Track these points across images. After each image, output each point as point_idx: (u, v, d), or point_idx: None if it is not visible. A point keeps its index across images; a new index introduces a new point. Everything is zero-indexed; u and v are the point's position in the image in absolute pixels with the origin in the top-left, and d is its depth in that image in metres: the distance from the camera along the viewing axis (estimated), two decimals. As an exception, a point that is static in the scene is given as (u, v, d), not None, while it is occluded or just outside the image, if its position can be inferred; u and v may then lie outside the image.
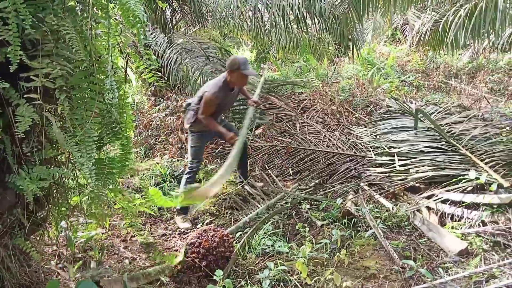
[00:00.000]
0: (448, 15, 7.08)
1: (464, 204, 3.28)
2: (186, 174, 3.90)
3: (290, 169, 4.71)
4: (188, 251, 2.80)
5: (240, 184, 4.31)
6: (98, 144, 2.39)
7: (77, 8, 1.95)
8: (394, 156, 4.46)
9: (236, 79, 3.68)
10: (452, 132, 5.06)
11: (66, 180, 2.42)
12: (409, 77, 9.22)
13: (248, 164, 4.50)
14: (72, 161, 2.28)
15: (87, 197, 2.52)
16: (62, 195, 2.37)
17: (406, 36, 12.26)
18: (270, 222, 3.41)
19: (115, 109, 2.14)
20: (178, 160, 4.91)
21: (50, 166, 2.16)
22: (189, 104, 3.91)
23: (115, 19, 2.07)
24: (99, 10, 2.02)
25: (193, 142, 3.88)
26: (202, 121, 3.72)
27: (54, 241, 2.53)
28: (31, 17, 1.64)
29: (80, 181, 2.53)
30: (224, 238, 2.87)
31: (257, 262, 2.91)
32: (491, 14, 5.71)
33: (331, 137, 5.28)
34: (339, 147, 4.95)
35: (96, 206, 2.60)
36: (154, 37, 6.88)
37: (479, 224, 3.07)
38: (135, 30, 1.93)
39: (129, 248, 3.28)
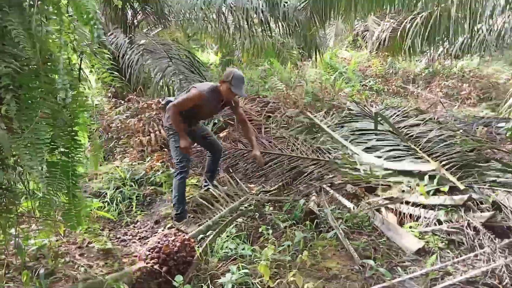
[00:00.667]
0: (406, 23, 7.37)
1: (421, 204, 3.40)
2: (176, 175, 3.71)
3: (253, 172, 4.70)
4: (148, 257, 2.71)
5: (204, 188, 4.25)
6: (51, 146, 2.27)
7: (25, 3, 1.84)
8: (355, 159, 4.56)
9: (224, 91, 3.63)
10: (410, 134, 5.24)
11: (14, 184, 2.28)
12: (369, 81, 9.51)
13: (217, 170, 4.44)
14: (20, 164, 2.14)
15: (38, 202, 2.38)
16: (10, 201, 2.22)
17: (366, 42, 12.65)
18: (233, 225, 3.38)
19: (67, 110, 2.03)
20: (139, 164, 4.78)
21: (-4, 170, 2.03)
22: (169, 102, 3.79)
23: (68, 15, 1.97)
24: (51, 6, 1.91)
25: (176, 142, 3.71)
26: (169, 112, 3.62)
27: (2, 250, 2.37)
28: (-28, 10, 1.53)
29: (31, 185, 2.40)
30: (185, 242, 2.80)
31: (219, 266, 2.86)
32: (445, 23, 5.99)
33: (295, 141, 5.32)
34: (303, 151, 5.00)
35: (48, 212, 2.46)
36: (115, 37, 6.68)
37: (435, 223, 3.18)
38: (88, 28, 1.85)
39: (86, 255, 3.14)
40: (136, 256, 3.18)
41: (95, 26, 1.81)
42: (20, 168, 2.22)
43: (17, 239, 2.60)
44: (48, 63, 1.87)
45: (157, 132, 5.41)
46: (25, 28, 1.69)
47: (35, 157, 1.90)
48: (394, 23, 8.54)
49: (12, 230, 2.50)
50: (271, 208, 3.74)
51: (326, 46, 10.80)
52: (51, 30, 1.88)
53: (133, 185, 4.32)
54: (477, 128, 5.56)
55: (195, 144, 4.31)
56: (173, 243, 2.72)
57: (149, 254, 2.70)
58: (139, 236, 3.62)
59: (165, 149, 5.17)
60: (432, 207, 3.35)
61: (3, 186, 2.21)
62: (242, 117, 4.00)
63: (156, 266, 2.62)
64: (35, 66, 1.82)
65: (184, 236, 2.85)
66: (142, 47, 6.51)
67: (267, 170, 4.70)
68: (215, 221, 3.55)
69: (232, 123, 5.99)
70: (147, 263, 2.64)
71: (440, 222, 3.17)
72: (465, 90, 8.26)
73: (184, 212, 3.71)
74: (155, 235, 3.54)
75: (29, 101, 1.86)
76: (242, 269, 2.66)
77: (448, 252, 2.86)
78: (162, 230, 3.58)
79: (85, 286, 2.52)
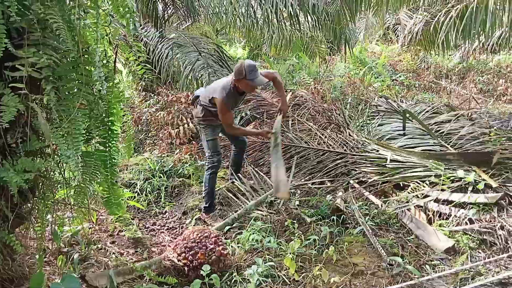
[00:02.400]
0: (440, 16, 7.13)
1: (452, 202, 3.31)
2: (207, 170, 3.74)
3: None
4: (181, 255, 2.67)
5: (230, 181, 4.29)
6: (86, 137, 2.35)
7: (65, -3, 1.90)
8: (384, 154, 4.48)
9: (244, 87, 3.49)
10: (441, 131, 5.11)
11: (52, 173, 2.38)
12: (400, 76, 9.29)
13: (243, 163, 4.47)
14: (58, 153, 2.23)
15: (73, 190, 2.48)
16: (47, 188, 2.32)
17: (397, 36, 12.35)
18: (259, 218, 3.41)
19: (102, 101, 2.10)
20: (168, 156, 4.87)
21: (36, 158, 2.12)
22: (197, 97, 3.81)
23: (104, 9, 2.03)
24: (88, 0, 1.98)
25: (207, 136, 3.72)
26: (214, 119, 3.65)
27: (39, 235, 2.48)
28: (17, 4, 1.60)
29: (67, 174, 2.49)
30: (221, 257, 2.71)
31: (245, 258, 2.90)
32: (482, 16, 5.76)
33: (322, 134, 5.28)
34: (330, 145, 4.96)
35: (82, 200, 2.56)
36: (146, 31, 6.81)
37: (466, 222, 3.10)
38: (125, 21, 1.90)
39: (116, 243, 3.25)
40: (164, 246, 3.26)
41: (131, 19, 1.86)
42: (57, 157, 2.31)
43: (53, 225, 2.73)
44: (85, 56, 1.94)
45: (186, 125, 5.49)
46: (65, 21, 1.76)
47: (72, 146, 1.98)
48: (427, 16, 8.29)
49: (49, 217, 2.62)
50: (297, 203, 3.74)
51: (356, 40, 10.61)
52: (88, 23, 1.95)
53: (162, 176, 4.41)
54: (513, 126, 5.35)
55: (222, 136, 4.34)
56: (209, 254, 2.64)
57: (184, 252, 2.67)
58: (167, 226, 3.70)
59: (193, 142, 5.24)
60: (463, 205, 3.27)
61: (42, 174, 2.31)
62: (272, 76, 3.83)
63: (185, 269, 2.62)
64: (73, 58, 1.89)
65: (222, 248, 2.75)
66: (172, 41, 6.60)
67: (292, 163, 4.69)
68: (240, 214, 3.59)
69: (259, 116, 6.01)
70: (178, 260, 2.66)
71: (471, 221, 3.09)
72: (501, 86, 7.93)
73: (213, 206, 3.76)
74: (182, 227, 3.62)
75: (67, 92, 1.94)
76: (268, 261, 2.69)
77: (479, 252, 2.79)
78: (190, 222, 3.65)
79: (116, 272, 2.61)
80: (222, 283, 2.58)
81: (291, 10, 6.63)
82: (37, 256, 2.51)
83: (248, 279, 2.53)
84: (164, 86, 6.59)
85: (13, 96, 1.75)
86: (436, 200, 3.42)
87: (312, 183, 4.22)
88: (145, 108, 6.07)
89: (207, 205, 3.72)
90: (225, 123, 3.59)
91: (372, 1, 6.29)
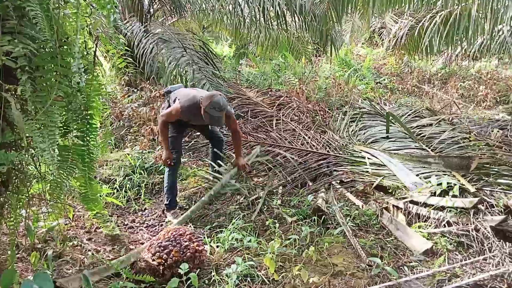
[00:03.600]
0: (424, 21, 7.25)
1: (430, 205, 3.35)
2: (166, 172, 3.75)
3: (261, 165, 4.69)
4: (156, 254, 2.61)
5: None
6: (63, 130, 2.29)
7: (44, -15, 1.84)
8: (365, 156, 4.52)
9: (201, 114, 3.41)
10: (422, 135, 5.18)
11: (26, 166, 2.30)
12: (384, 79, 9.40)
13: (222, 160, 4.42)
14: (33, 146, 2.16)
15: (49, 185, 2.41)
16: (21, 182, 2.25)
17: (383, 40, 12.49)
18: (239, 217, 3.38)
19: (81, 93, 2.04)
20: (149, 152, 4.80)
21: (9, 151, 2.05)
22: (169, 92, 3.82)
23: (85, -1, 1.98)
24: (68, -11, 1.92)
25: (169, 132, 3.69)
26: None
27: (12, 230, 2.40)
28: (-9, -10, 1.54)
29: (42, 168, 2.42)
30: (197, 254, 2.65)
31: (225, 257, 2.87)
32: (465, 22, 5.88)
33: (306, 135, 5.29)
34: (313, 145, 4.97)
35: (58, 195, 2.49)
36: (131, 25, 6.70)
37: (444, 225, 3.13)
38: (105, 12, 1.84)
39: (93, 240, 3.18)
40: (142, 244, 3.20)
41: (112, 11, 1.81)
42: (33, 150, 2.24)
43: (27, 220, 2.65)
44: (64, 46, 1.88)
45: (169, 122, 5.42)
46: (43, 10, 1.70)
47: (48, 139, 1.92)
48: (412, 21, 8.41)
49: (23, 212, 2.53)
50: (279, 202, 3.73)
51: (342, 42, 10.68)
52: (68, 13, 1.89)
53: (142, 173, 4.34)
54: (492, 131, 5.46)
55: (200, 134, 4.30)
56: (185, 251, 2.59)
57: (158, 252, 2.62)
58: (147, 224, 3.64)
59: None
60: (442, 208, 3.31)
61: (16, 167, 2.24)
62: (233, 127, 3.81)
63: (160, 268, 2.57)
64: (51, 49, 1.83)
65: (198, 244, 2.71)
66: (157, 36, 6.51)
67: (275, 163, 4.69)
68: (210, 195, 3.61)
69: (243, 115, 5.98)
70: (153, 260, 2.61)
71: (449, 224, 3.13)
72: (482, 92, 8.10)
73: (174, 202, 3.73)
74: (161, 225, 3.57)
75: (44, 83, 1.88)
76: (248, 261, 2.67)
77: (456, 254, 2.83)
78: (169, 220, 3.60)
79: (91, 272, 2.55)
80: (201, 282, 2.55)
81: (278, 10, 6.63)
82: (9, 252, 2.43)
83: (227, 279, 2.50)
84: (148, 81, 6.50)
85: (-14, 86, 1.69)
86: (415, 203, 3.45)
87: (294, 184, 4.22)
88: (128, 103, 5.97)
89: (167, 202, 3.70)
90: (164, 116, 3.58)
91: (359, 4, 6.34)
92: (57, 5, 1.85)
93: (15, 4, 1.68)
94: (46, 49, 1.88)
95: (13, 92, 1.86)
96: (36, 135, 1.84)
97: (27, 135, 1.90)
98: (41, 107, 1.83)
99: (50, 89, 1.89)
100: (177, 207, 3.76)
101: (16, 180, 2.26)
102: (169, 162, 3.63)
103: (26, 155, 2.15)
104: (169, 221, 3.56)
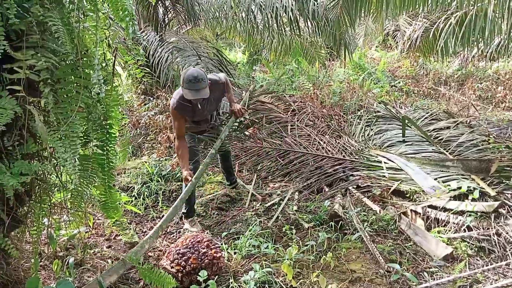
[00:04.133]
0: (439, 23, 7.16)
1: (450, 210, 3.30)
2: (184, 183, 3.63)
3: (277, 170, 4.69)
4: (174, 261, 2.65)
5: (228, 186, 4.28)
6: (84, 140, 2.35)
7: (65, 0, 1.90)
8: (381, 161, 4.48)
9: (183, 91, 3.22)
10: (439, 138, 5.11)
11: (48, 176, 2.36)
12: (399, 82, 9.31)
13: (233, 167, 4.42)
14: (55, 156, 2.22)
15: (70, 194, 2.47)
16: (44, 192, 2.31)
17: (397, 42, 12.38)
18: (256, 223, 3.39)
19: (101, 104, 2.09)
20: (166, 159, 4.86)
21: (32, 161, 2.11)
22: None
23: (104, 12, 2.03)
24: (88, 3, 1.97)
25: (189, 142, 3.63)
26: (192, 126, 3.59)
27: (35, 239, 2.46)
28: (16, 7, 1.60)
29: (64, 177, 2.48)
30: (215, 261, 2.68)
31: (242, 263, 2.88)
32: (481, 23, 5.78)
33: (321, 140, 5.28)
34: (329, 151, 4.95)
35: (79, 204, 2.55)
36: (146, 35, 6.82)
37: (464, 230, 3.08)
38: (124, 24, 1.89)
39: (113, 247, 3.22)
40: (161, 251, 3.24)
41: (130, 23, 1.86)
42: (54, 160, 2.30)
43: (49, 229, 2.71)
44: (84, 58, 1.93)
45: (184, 129, 5.48)
46: (64, 24, 1.75)
47: (69, 149, 1.97)
48: (426, 23, 8.32)
49: (45, 220, 2.60)
50: (295, 208, 3.72)
51: (355, 45, 10.63)
52: (88, 26, 1.95)
53: (160, 180, 4.40)
54: (512, 133, 5.35)
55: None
56: (202, 258, 2.61)
57: (176, 259, 2.65)
58: (164, 231, 3.67)
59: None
60: (461, 213, 3.26)
61: (38, 177, 2.30)
62: (227, 88, 3.72)
63: (179, 275, 2.59)
64: (72, 61, 1.89)
65: (216, 251, 2.73)
66: (172, 45, 6.61)
67: (291, 169, 4.69)
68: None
69: (258, 121, 6.00)
70: (171, 267, 2.63)
71: (470, 229, 3.08)
72: (500, 93, 7.95)
73: (192, 212, 3.68)
74: (179, 232, 3.60)
75: (66, 95, 1.93)
76: (265, 267, 2.67)
77: (477, 260, 2.78)
78: (186, 229, 3.63)
79: (106, 273, 2.56)
80: (219, 289, 2.57)
81: (291, 16, 6.65)
82: (32, 260, 2.49)
83: (245, 285, 2.51)
84: (164, 89, 6.59)
85: (11, 99, 1.75)
86: (434, 207, 3.41)
87: (310, 189, 4.21)
88: (144, 111, 6.06)
89: (185, 211, 3.66)
90: (175, 133, 3.43)
91: (372, 7, 6.30)
92: (77, 18, 1.91)
93: (38, 19, 1.74)
94: (67, 62, 1.94)
95: (36, 104, 1.92)
96: (59, 145, 1.89)
97: (50, 145, 1.95)
98: (63, 118, 1.89)
99: (72, 100, 1.94)
100: (195, 215, 3.77)
101: (39, 190, 2.32)
102: (189, 179, 3.38)
103: (49, 165, 2.20)
104: (186, 229, 3.58)
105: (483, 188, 3.51)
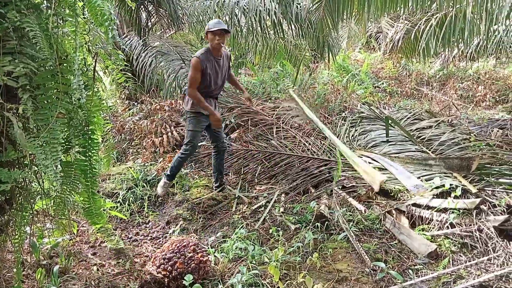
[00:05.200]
0: (420, 24, 7.29)
1: (433, 208, 3.36)
2: (179, 154, 4.02)
3: (263, 173, 4.70)
4: (160, 267, 2.64)
5: (215, 189, 4.27)
6: (66, 146, 2.32)
7: (43, 5, 1.88)
8: (366, 160, 4.53)
9: (210, 40, 3.74)
10: (422, 137, 5.19)
11: (30, 183, 2.33)
12: (382, 83, 9.43)
13: (223, 169, 4.44)
14: (36, 163, 2.19)
15: (53, 201, 2.43)
16: (25, 199, 2.27)
17: (379, 44, 12.56)
18: (242, 226, 3.39)
19: (82, 110, 2.07)
20: (151, 164, 4.82)
21: (12, 169, 2.08)
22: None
23: (84, 17, 2.01)
24: (67, 8, 1.96)
25: (190, 126, 3.94)
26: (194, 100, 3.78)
27: (17, 248, 2.42)
28: (-9, 13, 1.58)
29: (46, 184, 2.44)
30: (201, 264, 2.69)
31: (229, 266, 2.87)
32: (460, 24, 5.91)
33: (306, 141, 5.31)
34: (314, 152, 4.98)
35: (62, 211, 2.51)
36: (129, 39, 6.78)
37: (447, 227, 3.14)
38: (103, 29, 1.88)
39: (98, 254, 3.19)
40: (147, 256, 3.21)
41: (110, 27, 1.85)
42: (35, 167, 2.27)
43: (31, 237, 2.66)
44: (64, 64, 1.91)
45: (169, 133, 5.46)
46: (42, 29, 1.74)
47: (50, 156, 1.94)
48: (408, 25, 8.47)
49: (27, 229, 2.55)
50: (281, 210, 3.74)
51: (339, 48, 10.74)
52: (67, 31, 1.93)
53: (145, 185, 4.36)
54: (492, 131, 5.47)
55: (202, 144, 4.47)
56: (189, 263, 2.62)
57: (162, 264, 2.65)
58: (151, 236, 3.65)
59: (177, 150, 5.20)
60: (444, 210, 3.31)
61: (19, 185, 2.26)
62: (232, 77, 4.26)
63: (165, 280, 2.58)
64: (51, 67, 1.87)
65: (202, 256, 2.74)
66: (156, 49, 6.59)
67: (277, 171, 4.70)
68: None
69: (243, 124, 6.01)
70: (158, 272, 2.62)
71: (453, 226, 3.13)
72: (480, 92, 8.13)
73: (173, 177, 4.14)
74: (165, 237, 3.58)
75: (45, 101, 1.91)
76: (252, 269, 2.67)
77: (460, 256, 2.83)
78: (173, 232, 3.61)
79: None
80: (206, 293, 2.56)
81: (275, 19, 6.69)
82: (14, 270, 2.45)
83: (232, 288, 2.51)
84: (148, 94, 6.55)
85: (-12, 106, 1.72)
86: (418, 205, 3.46)
87: (296, 191, 4.23)
88: (129, 116, 6.01)
89: (169, 173, 4.07)
90: (190, 84, 3.75)
91: (354, 10, 6.39)
92: (55, 24, 1.89)
93: (14, 25, 1.71)
94: (46, 68, 1.92)
95: (15, 111, 1.89)
96: (39, 152, 1.87)
97: (30, 152, 1.92)
98: (43, 124, 1.86)
99: (52, 106, 1.92)
100: (171, 182, 4.19)
101: (19, 198, 2.28)
102: (219, 122, 3.88)
103: (29, 173, 2.17)
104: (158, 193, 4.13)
105: (465, 186, 3.57)
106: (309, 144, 5.21)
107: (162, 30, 8.20)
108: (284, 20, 7.02)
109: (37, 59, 1.83)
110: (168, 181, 4.11)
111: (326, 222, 3.31)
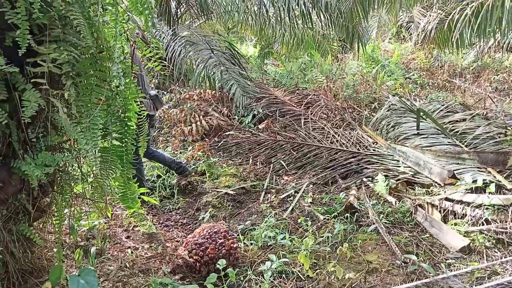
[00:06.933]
0: (454, 13, 7.04)
1: (466, 203, 3.28)
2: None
3: (291, 163, 4.70)
4: (192, 251, 2.72)
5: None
6: (103, 132, 2.39)
7: (85, -6, 1.93)
8: (397, 153, 4.46)
9: None
10: (455, 130, 5.05)
11: (70, 167, 2.42)
12: (413, 75, 9.20)
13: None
14: (76, 148, 2.27)
15: (90, 185, 2.52)
16: (66, 182, 2.36)
17: (411, 34, 12.22)
18: (271, 215, 3.41)
19: (119, 97, 2.12)
20: (181, 153, 4.91)
21: (55, 153, 2.16)
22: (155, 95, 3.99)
23: (123, 6, 2.06)
24: (107, -3, 2.00)
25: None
26: None
27: (57, 229, 2.52)
28: (39, 1, 1.63)
29: (83, 169, 2.53)
30: (232, 251, 2.72)
31: (259, 254, 2.91)
32: (498, 13, 5.67)
33: (335, 133, 5.27)
34: (343, 144, 4.94)
35: (99, 195, 2.60)
36: (159, 29, 6.86)
37: (482, 223, 3.06)
38: (143, 18, 1.92)
39: (131, 238, 3.28)
40: (178, 241, 3.29)
41: (150, 16, 1.88)
42: (75, 152, 2.35)
43: (70, 219, 2.77)
44: (104, 52, 1.96)
45: (198, 123, 5.53)
46: (84, 17, 1.78)
47: (91, 141, 2.01)
48: (441, 14, 8.19)
49: (66, 210, 2.66)
50: (310, 200, 3.74)
51: (368, 38, 10.53)
52: (107, 20, 1.97)
53: (174, 173, 4.44)
54: (530, 125, 5.25)
55: None
56: (220, 249, 2.66)
57: (194, 249, 2.70)
58: (181, 222, 3.73)
59: (206, 139, 5.27)
60: (478, 206, 3.23)
61: (60, 168, 2.35)
62: None
63: (197, 264, 2.64)
64: (92, 55, 1.92)
65: (232, 242, 2.77)
66: (185, 39, 6.64)
67: (305, 162, 4.69)
68: None
69: (271, 114, 6.01)
70: (189, 257, 2.68)
71: (488, 222, 3.05)
72: (517, 85, 7.82)
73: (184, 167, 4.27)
74: (195, 223, 3.65)
75: (86, 88, 1.97)
76: (282, 258, 2.70)
77: (495, 252, 2.76)
78: (203, 218, 3.67)
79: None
80: (236, 279, 2.60)
81: (304, 9, 6.61)
82: (55, 249, 2.56)
83: (262, 275, 2.54)
84: (177, 83, 6.64)
85: (35, 92, 1.79)
86: (450, 200, 3.39)
87: (324, 182, 4.22)
88: (158, 105, 6.11)
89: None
90: None
91: (386, -1, 6.25)
92: (97, 12, 1.94)
93: (59, 14, 1.77)
94: (87, 55, 1.97)
95: (59, 97, 1.96)
96: (81, 137, 1.93)
97: (72, 137, 2.00)
98: (84, 110, 1.93)
99: (92, 93, 1.98)
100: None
101: (61, 181, 2.37)
102: None
103: (70, 157, 2.25)
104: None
105: (500, 181, 3.47)
106: (338, 135, 5.16)
107: (191, 19, 8.27)
108: (313, 9, 6.93)
109: (79, 47, 1.89)
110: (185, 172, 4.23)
111: (356, 214, 3.29)
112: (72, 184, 2.46)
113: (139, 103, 2.39)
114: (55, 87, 1.95)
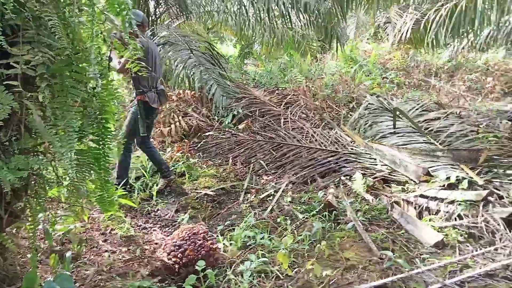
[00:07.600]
0: (429, 14, 7.22)
1: (440, 199, 3.37)
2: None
3: (271, 163, 4.73)
4: (171, 253, 2.70)
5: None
6: (80, 134, 2.35)
7: (59, -6, 1.90)
8: (374, 151, 4.55)
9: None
10: (430, 129, 5.18)
11: (44, 171, 2.37)
12: (390, 74, 9.38)
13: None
14: (51, 151, 2.23)
15: (65, 189, 2.48)
16: (40, 186, 2.32)
17: (388, 34, 12.44)
18: (250, 215, 3.43)
19: (96, 98, 2.10)
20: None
21: (29, 156, 2.12)
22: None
23: (99, 6, 2.03)
24: (83, -3, 1.98)
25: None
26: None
27: (32, 234, 2.47)
28: (12, 2, 1.60)
29: (59, 172, 2.49)
30: (211, 252, 2.72)
31: (238, 254, 2.92)
32: (471, 14, 5.85)
33: (314, 132, 5.33)
34: (322, 143, 5.00)
35: (75, 199, 2.56)
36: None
37: (455, 218, 3.16)
38: (120, 18, 1.90)
39: (109, 241, 3.25)
40: (157, 244, 3.27)
41: (128, 17, 1.87)
42: (50, 155, 2.31)
43: (45, 224, 2.72)
44: (80, 53, 1.94)
45: (178, 123, 5.50)
46: (59, 18, 1.76)
47: (66, 144, 1.98)
48: (417, 15, 8.38)
49: (40, 215, 2.60)
50: (289, 199, 3.77)
51: (347, 38, 10.68)
52: (83, 20, 1.95)
53: (154, 174, 4.41)
54: (501, 123, 5.44)
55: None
56: (199, 250, 2.65)
57: (173, 251, 2.70)
58: (160, 224, 3.71)
59: (185, 140, 5.25)
60: (452, 202, 3.33)
61: (34, 172, 2.31)
62: None
63: (176, 266, 2.63)
64: (67, 56, 1.89)
65: (211, 243, 2.77)
66: (164, 39, 6.60)
67: (284, 161, 4.73)
68: None
69: (251, 114, 6.03)
70: (168, 259, 2.67)
71: (460, 217, 3.15)
72: (489, 84, 8.07)
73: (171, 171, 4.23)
74: (174, 225, 3.63)
75: (61, 90, 1.94)
76: (261, 257, 2.72)
77: (467, 246, 2.85)
78: (182, 220, 3.66)
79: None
80: (216, 280, 2.61)
81: (283, 9, 6.66)
82: (29, 255, 2.51)
83: (242, 275, 2.55)
84: (156, 84, 6.56)
85: (7, 94, 1.75)
86: (425, 196, 3.48)
87: (304, 181, 4.26)
88: (137, 106, 6.03)
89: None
90: None
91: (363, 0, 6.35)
92: (72, 13, 1.91)
93: (33, 14, 1.74)
94: (63, 57, 1.94)
95: (33, 99, 1.92)
96: (56, 140, 1.91)
97: (47, 140, 1.96)
98: (60, 113, 1.90)
99: (67, 95, 1.95)
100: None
101: (35, 185, 2.33)
102: None
103: (44, 160, 2.21)
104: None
105: (472, 178, 3.58)
106: (317, 135, 5.22)
107: (170, 19, 8.20)
108: (292, 10, 6.98)
109: (54, 48, 1.86)
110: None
111: (334, 212, 3.34)
112: (47, 187, 2.42)
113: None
114: (29, 89, 1.92)
